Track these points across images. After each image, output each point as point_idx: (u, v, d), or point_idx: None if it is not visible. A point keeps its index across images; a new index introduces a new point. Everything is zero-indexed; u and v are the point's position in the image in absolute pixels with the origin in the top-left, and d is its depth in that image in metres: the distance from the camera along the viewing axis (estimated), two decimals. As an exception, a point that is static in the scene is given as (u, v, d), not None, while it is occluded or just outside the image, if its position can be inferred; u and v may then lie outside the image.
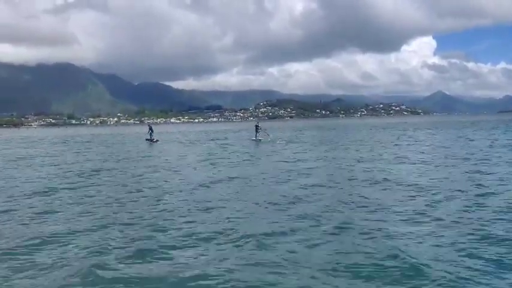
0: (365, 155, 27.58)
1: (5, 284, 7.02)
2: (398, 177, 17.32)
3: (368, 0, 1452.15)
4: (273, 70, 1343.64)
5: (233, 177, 18.38)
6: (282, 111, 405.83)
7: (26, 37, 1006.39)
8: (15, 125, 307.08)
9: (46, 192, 15.73)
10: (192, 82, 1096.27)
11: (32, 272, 7.50)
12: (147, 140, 51.37)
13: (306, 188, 15.19)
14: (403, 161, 23.64)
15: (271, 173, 19.77)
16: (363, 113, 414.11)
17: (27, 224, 10.98)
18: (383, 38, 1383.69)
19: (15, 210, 12.59)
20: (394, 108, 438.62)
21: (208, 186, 16.23)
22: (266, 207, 12.24)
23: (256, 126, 47.21)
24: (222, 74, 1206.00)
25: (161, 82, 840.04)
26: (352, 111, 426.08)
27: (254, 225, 10.29)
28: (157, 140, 50.68)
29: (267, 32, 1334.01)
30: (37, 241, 9.27)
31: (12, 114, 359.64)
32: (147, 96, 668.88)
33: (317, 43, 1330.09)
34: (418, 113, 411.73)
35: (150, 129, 51.86)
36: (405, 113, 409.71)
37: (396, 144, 36.90)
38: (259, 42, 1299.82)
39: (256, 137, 46.10)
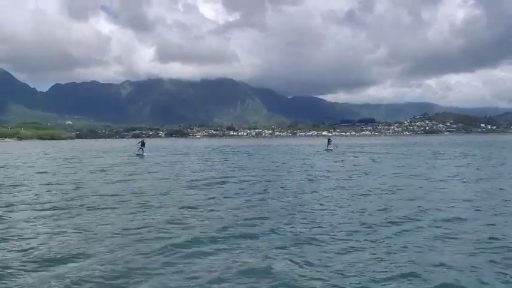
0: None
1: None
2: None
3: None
4: (431, 82, 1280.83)
5: (384, 189, 19.46)
6: (441, 125, 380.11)
7: (193, 56, 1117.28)
8: (182, 135, 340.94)
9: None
10: (344, 95, 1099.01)
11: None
12: (136, 154, 54.02)
13: (458, 203, 15.55)
14: None
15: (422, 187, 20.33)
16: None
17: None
18: None
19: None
20: None
21: (366, 195, 17.65)
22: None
23: (329, 139, 63.07)
24: (374, 86, 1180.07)
25: (314, 96, 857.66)
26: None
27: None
28: (144, 155, 52.31)
29: (423, 42, 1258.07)
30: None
31: (180, 125, 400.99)
32: (300, 109, 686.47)
33: (481, 52, 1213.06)
34: None
35: (142, 143, 54.97)
36: None
37: None
38: (415, 53, 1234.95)
39: (327, 148, 59.67)
